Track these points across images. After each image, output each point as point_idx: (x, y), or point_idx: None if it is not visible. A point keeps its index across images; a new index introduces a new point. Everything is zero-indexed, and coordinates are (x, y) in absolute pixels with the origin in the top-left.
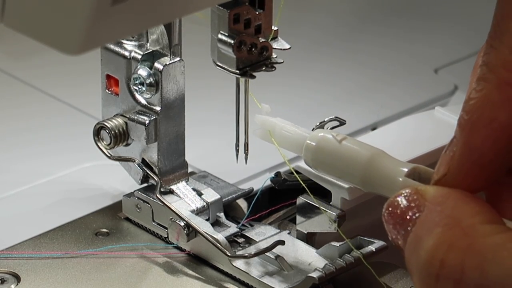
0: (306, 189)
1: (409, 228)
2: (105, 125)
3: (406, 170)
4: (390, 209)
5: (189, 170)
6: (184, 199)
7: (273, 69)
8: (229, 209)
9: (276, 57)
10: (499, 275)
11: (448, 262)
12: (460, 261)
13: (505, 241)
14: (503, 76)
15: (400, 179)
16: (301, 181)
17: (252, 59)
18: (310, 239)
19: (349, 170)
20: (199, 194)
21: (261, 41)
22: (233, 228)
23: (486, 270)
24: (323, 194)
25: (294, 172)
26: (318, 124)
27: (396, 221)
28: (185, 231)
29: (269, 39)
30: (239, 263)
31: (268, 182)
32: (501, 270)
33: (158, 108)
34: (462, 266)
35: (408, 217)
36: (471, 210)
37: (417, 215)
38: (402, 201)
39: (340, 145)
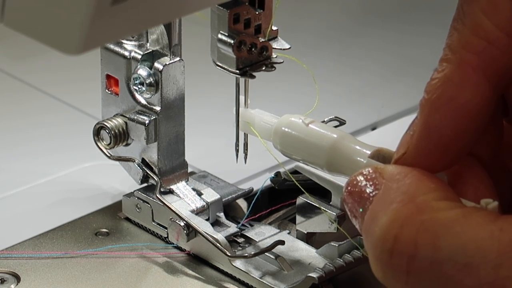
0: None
1: (366, 206)
2: (105, 125)
3: (369, 152)
4: (349, 188)
5: (189, 170)
6: (184, 199)
7: (273, 69)
8: (229, 209)
9: (276, 57)
10: (452, 250)
11: (401, 238)
12: (414, 236)
13: (459, 216)
14: (464, 57)
15: (364, 160)
16: (297, 183)
17: (252, 59)
18: (310, 239)
19: (315, 152)
20: (199, 194)
21: (261, 41)
22: (233, 228)
23: (439, 245)
24: (323, 194)
25: (289, 174)
26: None
27: (355, 200)
28: (185, 231)
29: (268, 39)
30: (239, 263)
31: (268, 182)
32: (454, 244)
33: (158, 108)
34: (415, 242)
35: (366, 195)
36: (426, 187)
37: (374, 193)
38: (361, 179)
39: (307, 128)
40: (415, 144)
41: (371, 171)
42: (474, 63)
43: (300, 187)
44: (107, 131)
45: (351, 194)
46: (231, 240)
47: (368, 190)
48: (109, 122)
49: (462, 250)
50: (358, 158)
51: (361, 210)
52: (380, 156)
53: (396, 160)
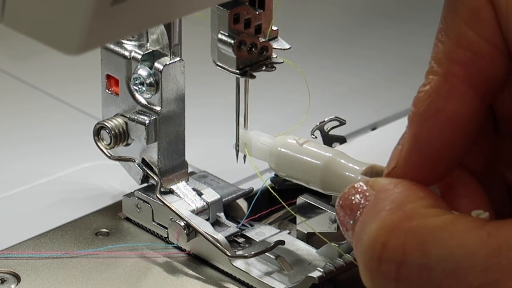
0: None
1: (357, 218)
2: (105, 125)
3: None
4: (341, 202)
5: (189, 170)
6: (184, 199)
7: (273, 69)
8: (229, 209)
9: (276, 57)
10: (440, 255)
11: (389, 245)
12: (402, 243)
13: (447, 222)
14: (450, 69)
15: (358, 177)
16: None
17: (252, 59)
18: (310, 239)
19: (310, 172)
20: (199, 194)
21: (261, 41)
22: (233, 228)
23: (427, 251)
24: (323, 194)
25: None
26: (318, 124)
27: (346, 212)
28: (185, 231)
29: (268, 39)
30: (239, 263)
31: (268, 182)
32: (442, 250)
33: (158, 108)
34: (403, 248)
35: (356, 207)
36: (415, 196)
37: (365, 204)
38: (352, 192)
39: (301, 148)
40: (405, 158)
41: (362, 184)
42: (460, 75)
43: (292, 196)
44: (107, 131)
45: (342, 207)
46: (231, 240)
47: (358, 202)
48: (109, 122)
49: (450, 255)
50: (352, 175)
51: (351, 222)
52: (374, 172)
53: (386, 174)
